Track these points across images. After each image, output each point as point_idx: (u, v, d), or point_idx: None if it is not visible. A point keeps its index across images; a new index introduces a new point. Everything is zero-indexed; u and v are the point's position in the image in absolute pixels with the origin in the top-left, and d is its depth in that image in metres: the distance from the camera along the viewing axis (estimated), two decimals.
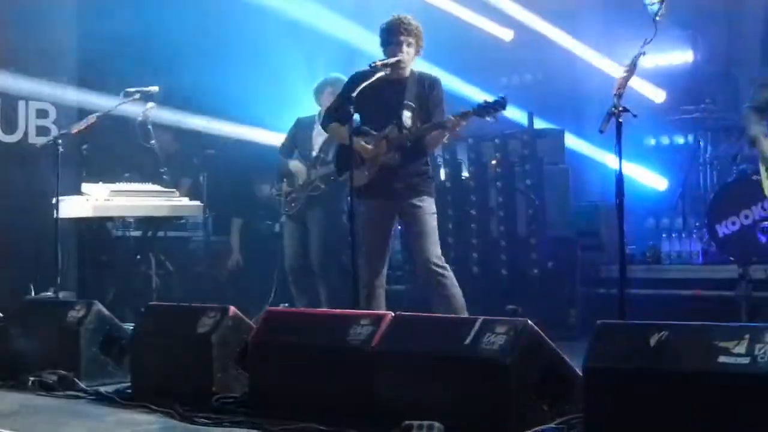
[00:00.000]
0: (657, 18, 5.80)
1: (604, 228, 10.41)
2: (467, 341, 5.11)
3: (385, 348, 5.45)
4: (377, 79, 7.23)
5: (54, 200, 8.63)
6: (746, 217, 8.98)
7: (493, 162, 10.25)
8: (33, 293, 9.24)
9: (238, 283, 11.05)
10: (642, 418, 4.45)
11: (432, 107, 7.39)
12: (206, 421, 5.79)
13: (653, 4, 5.90)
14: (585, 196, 11.35)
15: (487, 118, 7.08)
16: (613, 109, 5.61)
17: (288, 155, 9.63)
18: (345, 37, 12.17)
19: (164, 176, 9.84)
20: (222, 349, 6.23)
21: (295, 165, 9.49)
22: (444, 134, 7.31)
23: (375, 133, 7.43)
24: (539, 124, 10.57)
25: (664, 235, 10.31)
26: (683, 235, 10.12)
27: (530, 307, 8.64)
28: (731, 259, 9.23)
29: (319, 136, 9.41)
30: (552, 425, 4.86)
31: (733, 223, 9.10)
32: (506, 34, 12.74)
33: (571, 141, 11.23)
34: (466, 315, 6.93)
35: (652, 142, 12.26)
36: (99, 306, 7.27)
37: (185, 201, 9.79)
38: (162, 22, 11.30)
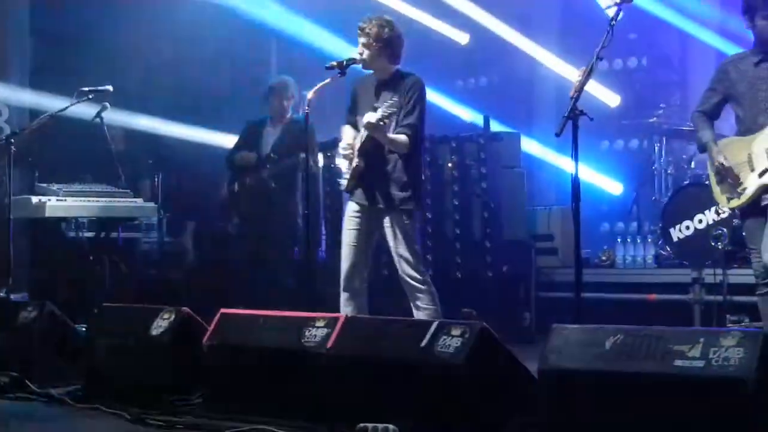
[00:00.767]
0: (613, 23, 5.81)
1: (559, 232, 10.47)
2: (422, 344, 5.10)
3: (340, 350, 5.43)
4: (372, 78, 7.35)
5: (6, 200, 8.55)
6: (700, 221, 9.04)
7: (449, 165, 10.25)
8: None
9: (191, 284, 10.98)
10: (597, 421, 4.46)
11: (403, 108, 7.15)
12: (160, 422, 5.74)
13: (609, 8, 5.91)
14: (541, 200, 11.39)
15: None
16: (570, 112, 5.61)
17: None
18: (307, 39, 12.15)
19: (118, 177, 9.75)
20: (176, 351, 6.19)
21: (241, 155, 9.54)
22: (390, 140, 7.06)
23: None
24: (495, 127, 10.59)
25: (618, 240, 10.37)
26: (638, 240, 10.18)
27: (485, 310, 8.67)
28: (685, 263, 9.30)
29: (270, 137, 9.49)
30: None
31: (687, 228, 9.16)
32: (462, 38, 12.76)
33: (527, 144, 11.25)
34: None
35: (607, 146, 12.32)
36: (51, 307, 7.22)
37: (139, 202, 9.75)
38: (115, 23, 11.23)
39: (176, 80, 11.67)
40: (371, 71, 7.36)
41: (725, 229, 8.74)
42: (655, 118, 10.49)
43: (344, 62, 7.19)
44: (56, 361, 7.09)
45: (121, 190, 9.62)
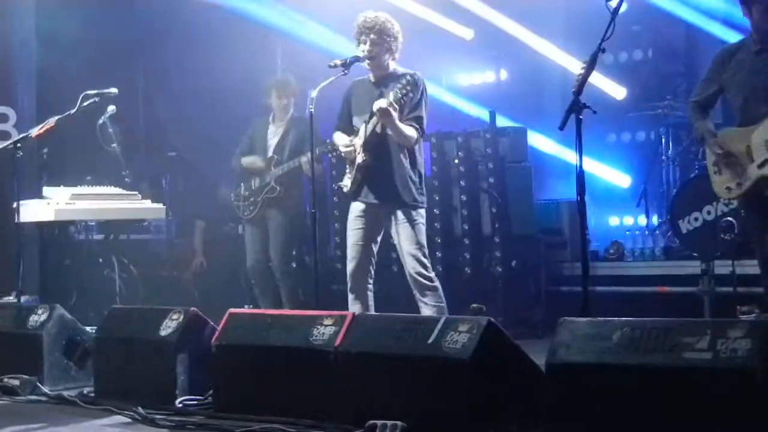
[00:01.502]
0: (615, 15, 5.80)
1: (567, 225, 10.45)
2: (430, 340, 5.11)
3: (348, 348, 5.44)
4: (366, 80, 7.34)
5: (15, 204, 8.56)
6: (708, 213, 9.03)
7: (456, 160, 10.24)
8: None
9: (201, 285, 11.00)
10: (606, 414, 4.46)
11: (408, 106, 7.10)
12: (169, 423, 5.78)
13: (611, 1, 5.90)
14: (548, 194, 11.37)
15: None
16: (573, 105, 5.60)
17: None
18: (312, 39, 12.13)
19: (126, 179, 9.76)
20: (185, 351, 6.21)
21: (249, 159, 9.42)
22: (399, 129, 7.00)
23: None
24: (501, 122, 10.57)
25: (627, 232, 10.35)
26: (646, 232, 10.17)
27: (494, 306, 8.67)
28: (694, 255, 9.28)
29: (273, 137, 9.37)
30: None
31: (696, 219, 9.14)
32: (467, 33, 12.74)
33: (534, 139, 11.24)
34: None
35: (614, 138, 12.30)
36: (61, 310, 7.24)
37: (147, 203, 9.72)
38: (121, 25, 11.25)
39: (183, 82, 11.67)
40: (363, 74, 7.32)
41: (734, 220, 8.72)
42: (661, 110, 10.49)
43: (348, 60, 7.15)
44: (66, 363, 7.12)
45: (129, 192, 9.62)
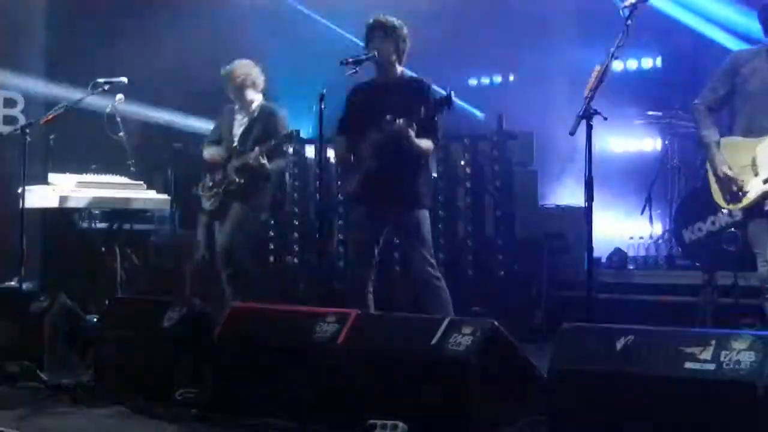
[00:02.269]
0: (628, 23, 5.80)
1: (571, 231, 10.43)
2: (433, 341, 5.12)
3: (351, 346, 5.44)
4: (371, 84, 7.30)
5: (20, 190, 8.56)
6: (713, 223, 9.02)
7: (462, 163, 10.23)
8: None
9: (203, 277, 10.97)
10: (606, 421, 4.46)
11: (424, 114, 6.94)
12: (168, 415, 5.78)
13: (625, 8, 5.90)
14: (553, 199, 11.37)
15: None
16: (584, 111, 5.60)
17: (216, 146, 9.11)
18: (320, 35, 12.14)
19: (132, 168, 9.76)
20: (186, 343, 6.21)
21: (209, 152, 8.93)
22: (417, 146, 6.96)
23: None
24: (509, 125, 10.57)
25: (630, 239, 10.34)
26: (650, 240, 10.15)
27: (496, 309, 8.65)
28: (697, 264, 9.27)
29: (239, 127, 8.89)
30: None
31: (700, 229, 9.13)
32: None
33: (541, 143, 11.22)
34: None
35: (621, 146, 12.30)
36: (64, 298, 7.24)
37: (152, 194, 9.74)
38: (131, 15, 11.25)
39: (191, 74, 11.64)
40: (367, 78, 7.28)
41: (738, 232, 8.71)
42: (668, 119, 10.48)
43: (360, 58, 7.11)
44: (67, 351, 7.12)
45: (134, 182, 9.63)
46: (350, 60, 7.10)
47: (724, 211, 7.68)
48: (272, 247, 11.33)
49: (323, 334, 5.57)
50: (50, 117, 8.79)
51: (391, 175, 7.12)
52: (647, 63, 12.35)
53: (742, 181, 6.43)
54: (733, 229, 8.78)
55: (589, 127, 5.60)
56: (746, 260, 8.58)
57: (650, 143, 12.05)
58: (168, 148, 11.52)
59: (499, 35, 12.42)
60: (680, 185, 10.35)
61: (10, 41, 10.41)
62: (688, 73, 12.00)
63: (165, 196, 9.98)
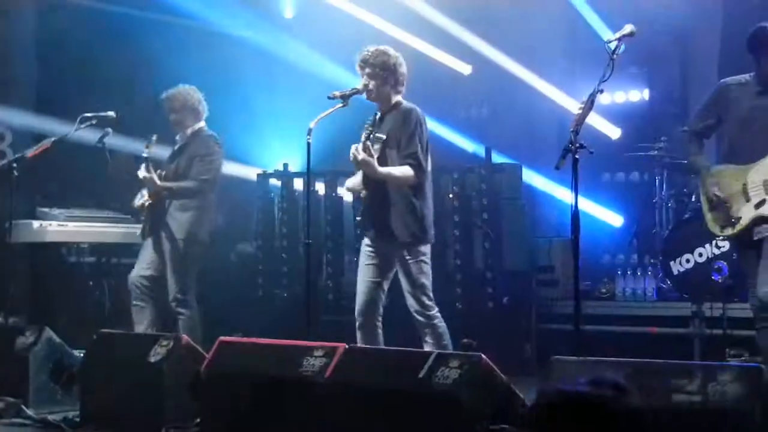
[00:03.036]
0: (614, 56, 5.83)
1: (560, 263, 10.44)
2: (421, 375, 5.10)
3: (339, 380, 5.43)
4: (375, 114, 7.24)
5: (7, 224, 8.54)
6: (700, 255, 9.04)
7: (450, 195, 10.23)
8: None
9: None
10: None
11: (402, 139, 7.03)
12: None
13: (611, 41, 5.93)
14: (541, 231, 11.38)
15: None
16: (570, 145, 5.61)
17: None
18: (311, 69, 12.15)
19: (118, 203, 9.74)
20: (174, 378, 6.18)
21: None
22: (384, 176, 6.93)
23: None
24: (497, 158, 10.59)
25: (619, 272, 10.35)
26: (638, 272, 10.17)
27: (485, 342, 8.62)
28: (685, 296, 9.28)
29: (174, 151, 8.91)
30: None
31: (688, 261, 9.16)
32: (465, 68, 12.79)
33: (529, 176, 11.25)
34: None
35: (608, 178, 12.32)
36: (49, 332, 7.22)
37: (139, 228, 9.71)
38: (120, 49, 11.26)
39: None
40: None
41: (725, 263, 8.73)
42: (656, 151, 10.51)
43: (347, 92, 7.08)
44: (53, 386, 7.08)
45: (121, 216, 9.62)
46: (337, 94, 7.08)
47: (719, 238, 7.70)
48: (261, 281, 11.32)
49: (311, 367, 5.55)
50: (38, 151, 8.77)
51: (378, 208, 7.11)
52: (635, 96, 12.37)
53: (735, 206, 6.49)
54: (720, 260, 8.81)
55: (575, 161, 5.61)
56: (734, 291, 8.64)
57: (637, 175, 12.05)
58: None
59: (488, 68, 12.45)
60: (668, 217, 10.37)
61: None
62: (675, 105, 12.06)
63: None
